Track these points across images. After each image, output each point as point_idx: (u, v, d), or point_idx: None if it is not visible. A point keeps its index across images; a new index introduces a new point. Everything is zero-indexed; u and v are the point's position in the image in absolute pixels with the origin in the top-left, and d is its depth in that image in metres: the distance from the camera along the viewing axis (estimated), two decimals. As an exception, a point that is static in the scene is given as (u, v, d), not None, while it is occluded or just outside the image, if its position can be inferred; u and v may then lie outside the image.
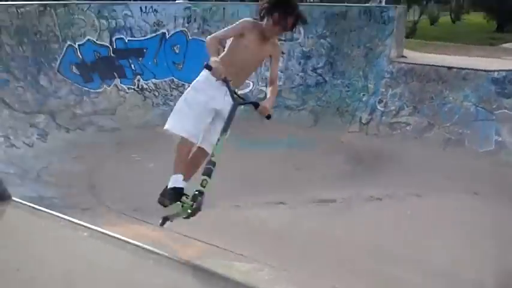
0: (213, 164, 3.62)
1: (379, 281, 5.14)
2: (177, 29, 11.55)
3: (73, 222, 3.26)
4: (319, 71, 11.39)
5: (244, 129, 10.24)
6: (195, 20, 11.65)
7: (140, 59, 11.34)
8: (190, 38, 11.62)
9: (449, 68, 10.15)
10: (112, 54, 11.10)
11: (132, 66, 11.26)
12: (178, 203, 3.71)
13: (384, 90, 10.53)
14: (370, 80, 10.77)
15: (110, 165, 8.45)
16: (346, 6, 12.28)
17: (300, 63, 11.59)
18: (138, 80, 11.24)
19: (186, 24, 11.57)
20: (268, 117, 3.76)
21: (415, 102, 10.07)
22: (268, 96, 3.88)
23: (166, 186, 3.85)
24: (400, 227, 6.33)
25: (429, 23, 33.93)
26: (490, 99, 9.47)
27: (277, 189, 7.43)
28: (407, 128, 9.85)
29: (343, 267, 5.40)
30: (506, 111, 9.31)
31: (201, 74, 3.79)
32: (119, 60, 11.19)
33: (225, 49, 3.78)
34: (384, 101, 10.41)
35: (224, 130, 3.64)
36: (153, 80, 11.38)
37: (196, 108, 3.73)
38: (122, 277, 2.75)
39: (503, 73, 9.73)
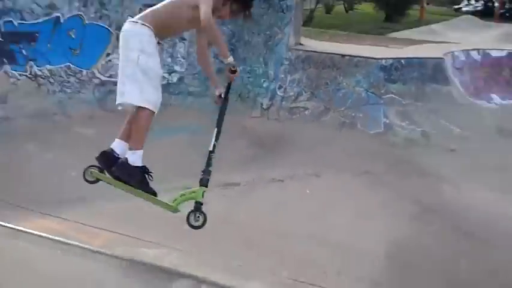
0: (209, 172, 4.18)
1: (283, 259, 5.46)
2: (73, 13, 10.98)
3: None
4: (221, 57, 11.46)
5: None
6: (91, 4, 11.16)
7: (32, 43, 10.62)
8: (86, 22, 11.13)
9: (343, 55, 10.76)
10: (0, 39, 10.33)
11: (24, 51, 10.53)
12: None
13: (283, 76, 10.91)
14: (270, 66, 11.09)
15: (3, 156, 7.94)
16: (246, -6, 12.47)
17: (202, 50, 11.59)
18: (31, 66, 10.54)
19: (82, 8, 11.04)
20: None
21: (312, 88, 10.56)
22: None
23: (124, 161, 4.09)
24: (300, 206, 6.73)
25: (325, 11, 35.39)
26: (379, 85, 10.23)
27: (182, 175, 7.46)
28: (306, 112, 10.33)
29: (248, 248, 5.65)
30: (392, 95, 10.14)
31: (142, 33, 3.85)
32: (8, 44, 10.42)
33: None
34: (284, 87, 10.80)
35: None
36: (48, 66, 10.73)
37: (154, 77, 3.86)
38: (30, 269, 2.71)
39: (390, 61, 10.56)
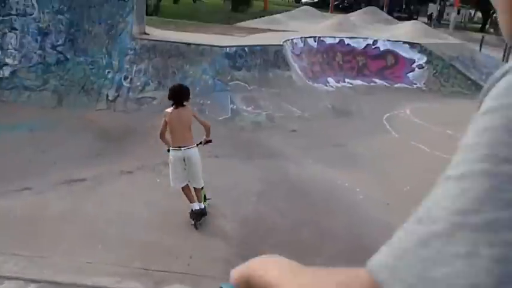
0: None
1: (133, 249, 5.37)
2: None
3: None
4: (59, 48, 10.76)
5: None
6: None
7: None
8: None
9: (188, 44, 10.83)
10: None
11: None
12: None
13: (128, 66, 10.61)
14: (114, 57, 10.69)
15: None
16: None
17: (37, 41, 10.74)
18: None
19: None
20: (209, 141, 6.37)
21: (159, 77, 10.46)
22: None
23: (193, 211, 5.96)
24: (150, 196, 6.66)
25: (172, 1, 35.17)
26: (224, 72, 10.51)
27: (20, 175, 6.93)
28: (154, 102, 10.17)
29: (96, 243, 5.45)
30: (238, 82, 10.49)
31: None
32: None
33: None
34: (130, 77, 10.51)
35: None
36: None
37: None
38: None
39: (234, 48, 10.90)
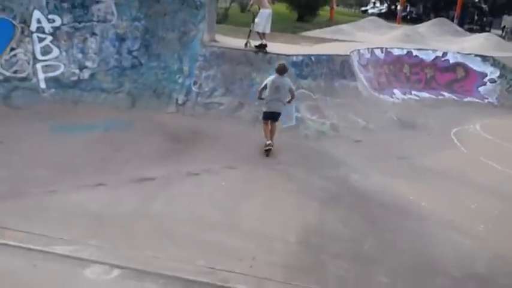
0: None
1: (198, 248, 5.56)
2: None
3: None
4: (134, 53, 11.33)
5: (58, 113, 9.82)
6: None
7: None
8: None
9: (256, 52, 11.05)
10: None
11: None
12: None
13: (198, 72, 10.98)
14: (184, 62, 11.11)
15: None
16: (160, -11, 12.36)
17: (114, 46, 11.36)
18: None
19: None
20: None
21: (227, 84, 10.74)
22: None
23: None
24: (216, 197, 6.87)
25: (240, 10, 35.77)
26: (291, 80, 10.59)
27: (95, 171, 7.35)
28: (221, 107, 10.48)
29: (165, 240, 5.69)
30: (303, 90, 10.58)
31: None
32: None
33: None
34: (199, 82, 10.88)
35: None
36: None
37: None
38: None
39: (301, 57, 11.00)
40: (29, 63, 10.78)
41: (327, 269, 5.43)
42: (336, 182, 7.77)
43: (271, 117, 8.88)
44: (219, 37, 12.48)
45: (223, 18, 24.24)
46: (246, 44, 11.60)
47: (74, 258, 4.12)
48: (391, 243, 6.07)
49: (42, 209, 6.12)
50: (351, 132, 10.11)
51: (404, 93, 13.75)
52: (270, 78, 8.93)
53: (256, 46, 11.35)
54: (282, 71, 8.91)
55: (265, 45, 11.23)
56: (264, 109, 8.94)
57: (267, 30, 11.35)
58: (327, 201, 7.05)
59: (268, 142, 8.65)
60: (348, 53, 12.16)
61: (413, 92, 14.08)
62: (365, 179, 7.95)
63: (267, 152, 8.62)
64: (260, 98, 9.01)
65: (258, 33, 11.33)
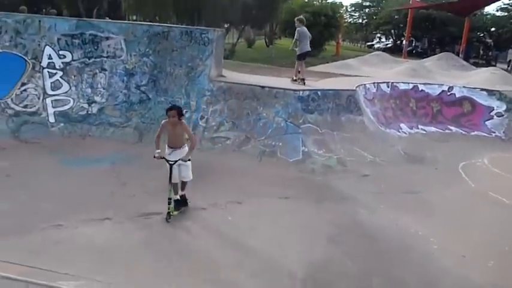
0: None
1: (201, 285, 5.50)
2: (-19, 41, 10.58)
3: None
4: (142, 88, 11.48)
5: (66, 147, 9.91)
6: (6, 32, 10.81)
7: None
8: (0, 50, 10.75)
9: (263, 87, 11.16)
10: None
11: None
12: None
13: (205, 107, 11.08)
14: (192, 97, 11.23)
15: None
16: (168, 26, 12.63)
17: (123, 81, 11.53)
18: None
19: (-4, 36, 10.67)
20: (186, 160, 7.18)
21: (233, 118, 10.81)
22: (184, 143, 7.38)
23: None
24: (222, 234, 6.83)
25: (246, 45, 36.40)
26: (297, 115, 10.67)
27: (102, 205, 7.36)
28: (228, 142, 10.52)
29: (168, 277, 5.64)
30: (310, 125, 10.61)
31: None
32: None
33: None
34: (206, 117, 10.97)
35: (169, 183, 7.14)
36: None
37: None
38: None
39: (307, 92, 11.09)
40: (39, 98, 10.96)
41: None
42: (343, 216, 7.69)
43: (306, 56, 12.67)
44: (226, 72, 12.64)
45: (230, 54, 24.65)
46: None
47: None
48: (399, 279, 5.97)
49: (49, 243, 6.12)
50: (358, 167, 10.08)
51: (411, 128, 13.75)
52: (300, 30, 12.06)
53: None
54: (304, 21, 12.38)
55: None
56: (300, 52, 12.24)
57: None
58: (335, 236, 6.97)
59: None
60: (354, 88, 12.24)
61: (420, 126, 14.07)
62: (372, 214, 7.88)
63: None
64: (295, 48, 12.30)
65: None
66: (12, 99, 10.76)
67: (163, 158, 7.10)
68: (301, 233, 7.02)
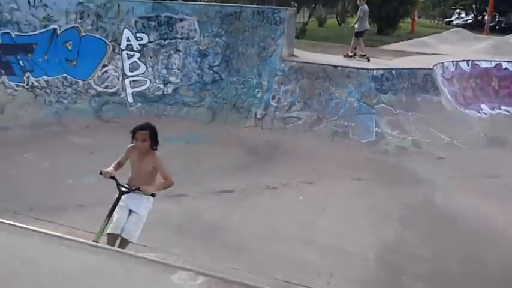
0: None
1: (277, 262, 5.58)
2: (69, 25, 11.14)
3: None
4: (215, 68, 11.70)
5: (142, 126, 10.31)
6: (88, 16, 11.35)
7: (29, 55, 10.74)
8: (83, 34, 11.31)
9: (335, 66, 10.98)
10: (-3, 50, 10.45)
11: (21, 62, 10.66)
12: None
13: (276, 87, 11.11)
14: (263, 77, 11.30)
15: (1, 165, 8.05)
16: (240, 6, 12.72)
17: (196, 61, 11.81)
18: (28, 77, 10.68)
19: (79, 20, 11.22)
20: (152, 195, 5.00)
21: (305, 98, 10.76)
22: (155, 184, 5.11)
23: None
24: (294, 212, 6.87)
25: (317, 24, 35.79)
26: (370, 95, 10.44)
27: (178, 182, 7.55)
28: (299, 122, 10.51)
29: (243, 252, 5.77)
30: (384, 105, 10.34)
31: None
32: (5, 56, 10.53)
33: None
34: (277, 97, 11.00)
35: (108, 216, 4.78)
36: (44, 77, 10.87)
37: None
38: (33, 263, 2.81)
39: (381, 71, 10.79)
40: (118, 79, 11.47)
41: (407, 289, 5.24)
42: (417, 199, 7.48)
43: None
44: (297, 52, 12.56)
45: (301, 33, 24.37)
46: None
47: (161, 264, 4.27)
48: (478, 264, 5.73)
49: (128, 217, 6.43)
50: (433, 149, 9.72)
51: (493, 108, 13.00)
52: (363, 7, 12.61)
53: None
54: None
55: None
56: (361, 29, 12.73)
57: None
58: (407, 219, 6.81)
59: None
60: (431, 67, 11.74)
61: (502, 107, 13.27)
62: (449, 198, 7.59)
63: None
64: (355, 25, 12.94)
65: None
66: (94, 81, 11.33)
67: (114, 178, 4.84)
68: (373, 214, 6.92)
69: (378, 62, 12.67)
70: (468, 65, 13.53)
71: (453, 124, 10.79)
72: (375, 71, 10.71)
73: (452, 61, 13.18)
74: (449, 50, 19.76)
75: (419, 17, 44.56)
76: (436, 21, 57.38)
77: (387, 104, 10.43)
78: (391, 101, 10.52)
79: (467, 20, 52.63)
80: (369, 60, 12.20)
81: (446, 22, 54.21)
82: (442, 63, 12.68)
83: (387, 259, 5.78)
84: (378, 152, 9.48)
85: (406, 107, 10.58)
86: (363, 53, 12.71)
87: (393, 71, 10.93)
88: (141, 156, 4.89)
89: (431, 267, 5.65)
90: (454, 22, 51.25)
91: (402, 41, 25.48)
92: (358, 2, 13.04)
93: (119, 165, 5.05)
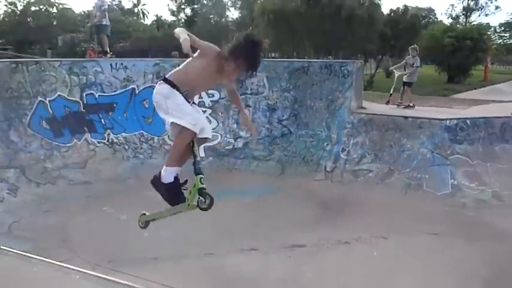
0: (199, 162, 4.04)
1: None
2: (147, 84, 11.86)
3: (63, 266, 3.43)
4: (284, 122, 11.90)
5: (215, 180, 10.52)
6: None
7: (110, 113, 11.52)
8: (161, 94, 11.93)
9: (406, 117, 10.81)
10: (82, 109, 11.25)
11: (103, 120, 11.43)
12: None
13: (346, 139, 11.06)
14: (332, 130, 11.32)
15: (82, 218, 8.50)
16: (308, 61, 13.02)
17: (266, 116, 12.09)
18: (108, 134, 11.39)
19: (156, 80, 11.91)
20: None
21: (375, 150, 10.60)
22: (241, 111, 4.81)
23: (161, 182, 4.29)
24: (368, 268, 6.64)
25: (385, 75, 35.66)
26: (444, 146, 10.10)
27: (249, 236, 7.66)
28: (370, 174, 10.32)
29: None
30: (459, 156, 9.94)
31: (163, 87, 4.00)
32: (89, 115, 11.33)
33: (182, 65, 4.09)
34: (347, 149, 10.93)
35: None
36: (123, 134, 11.55)
37: (184, 104, 3.95)
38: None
39: (455, 121, 10.46)
40: (192, 135, 11.91)
41: None
42: (502, 256, 6.99)
43: None
44: (366, 103, 12.52)
45: (368, 85, 24.36)
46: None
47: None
48: None
49: (201, 270, 6.52)
50: (517, 202, 9.13)
51: None
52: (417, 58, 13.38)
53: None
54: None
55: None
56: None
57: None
58: (492, 279, 6.36)
59: None
60: (509, 114, 11.24)
61: None
62: (537, 256, 7.04)
63: None
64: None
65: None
66: (168, 136, 11.83)
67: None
68: (453, 273, 6.53)
69: (451, 112, 12.35)
70: (549, 112, 12.81)
71: (537, 175, 10.13)
72: (448, 121, 10.40)
73: (532, 108, 12.55)
74: (527, 96, 18.89)
75: (492, 64, 43.17)
76: (510, 67, 55.27)
77: (463, 154, 10.02)
78: (467, 152, 10.10)
79: (544, 65, 50.37)
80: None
81: (521, 68, 52.16)
82: (521, 111, 12.10)
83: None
84: (454, 205, 9.05)
85: (484, 158, 10.10)
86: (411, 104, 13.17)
87: (467, 121, 10.56)
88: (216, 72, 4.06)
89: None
90: (531, 68, 49.14)
91: (475, 89, 24.73)
92: (413, 52, 13.63)
93: None
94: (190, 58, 4.00)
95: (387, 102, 13.62)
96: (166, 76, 4.03)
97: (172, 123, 3.99)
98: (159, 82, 4.09)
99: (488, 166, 9.99)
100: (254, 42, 3.92)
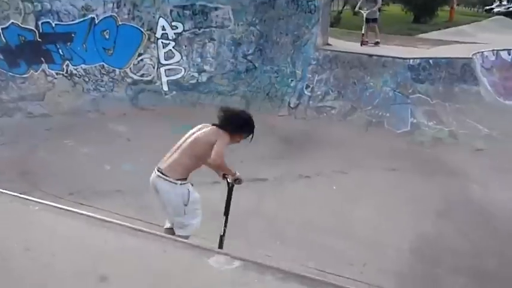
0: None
1: (310, 251, 5.60)
2: (107, 14, 11.34)
3: (21, 197, 3.37)
4: (249, 57, 11.72)
5: (178, 115, 10.45)
6: (124, 5, 11.51)
7: (68, 43, 11.02)
8: (120, 23, 11.48)
9: (370, 55, 10.85)
10: (38, 39, 10.70)
11: (60, 51, 10.93)
12: None
13: (310, 76, 11.06)
14: (297, 66, 11.26)
15: (42, 151, 8.32)
16: (274, -5, 12.66)
17: (230, 50, 11.86)
18: (67, 65, 10.96)
19: (116, 10, 11.41)
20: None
21: (339, 88, 10.68)
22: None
23: None
24: (327, 202, 6.86)
25: (352, 13, 35.26)
26: (406, 85, 10.27)
27: (212, 170, 7.70)
28: (333, 111, 10.45)
29: (276, 239, 5.82)
30: (420, 95, 10.16)
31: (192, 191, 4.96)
32: (46, 44, 10.80)
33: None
34: (311, 86, 10.95)
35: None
36: (83, 66, 11.13)
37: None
38: (78, 243, 2.93)
39: (418, 60, 10.59)
40: (153, 68, 11.64)
41: (442, 282, 5.18)
42: (454, 192, 7.35)
43: None
44: (332, 40, 12.43)
45: (336, 22, 24.08)
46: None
47: (199, 248, 4.42)
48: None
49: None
50: (471, 140, 9.49)
51: (535, 99, 12.57)
52: None
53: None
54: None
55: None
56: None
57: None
58: (444, 212, 6.71)
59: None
60: (470, 56, 11.44)
61: (545, 98, 12.82)
62: (488, 192, 7.41)
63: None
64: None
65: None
66: (130, 69, 11.53)
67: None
68: (409, 206, 6.84)
69: (415, 51, 12.44)
70: (509, 55, 13.11)
71: (492, 115, 10.49)
72: (411, 60, 10.53)
73: (493, 50, 12.79)
74: (489, 39, 19.14)
75: (458, 5, 43.25)
76: (475, 9, 55.63)
77: (424, 94, 10.24)
78: (428, 91, 10.33)
79: (508, 7, 50.75)
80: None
81: (486, 10, 52.50)
82: (482, 52, 12.32)
83: (423, 252, 5.73)
84: (413, 142, 9.35)
85: (443, 97, 10.37)
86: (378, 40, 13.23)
87: (430, 61, 10.72)
88: None
89: (468, 263, 5.56)
90: (495, 10, 49.51)
91: (440, 29, 24.83)
92: None
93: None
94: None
95: (362, 44, 13.11)
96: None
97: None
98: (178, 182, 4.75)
99: (447, 106, 10.28)
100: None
